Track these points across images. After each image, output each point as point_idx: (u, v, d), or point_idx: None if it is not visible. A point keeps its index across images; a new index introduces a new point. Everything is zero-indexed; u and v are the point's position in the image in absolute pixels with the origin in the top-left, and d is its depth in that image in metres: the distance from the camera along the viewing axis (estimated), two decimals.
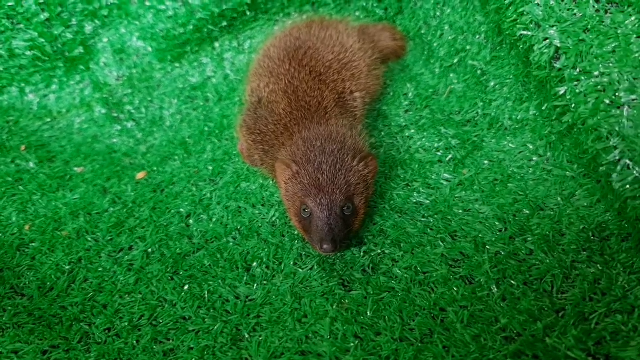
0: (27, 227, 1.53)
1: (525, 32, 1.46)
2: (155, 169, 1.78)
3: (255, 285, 1.37)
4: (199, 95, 2.03)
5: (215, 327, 1.27)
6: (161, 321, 1.31)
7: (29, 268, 1.42)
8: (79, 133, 1.95)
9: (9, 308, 1.33)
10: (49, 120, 1.99)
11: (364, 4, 2.10)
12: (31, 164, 1.77)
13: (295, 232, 1.48)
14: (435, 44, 1.96)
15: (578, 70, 1.35)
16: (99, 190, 1.69)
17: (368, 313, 1.26)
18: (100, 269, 1.43)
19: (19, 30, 1.91)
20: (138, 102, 2.01)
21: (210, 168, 1.74)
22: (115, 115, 1.98)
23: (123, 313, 1.33)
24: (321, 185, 1.38)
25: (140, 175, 1.75)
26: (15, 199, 1.63)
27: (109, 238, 1.52)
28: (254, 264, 1.42)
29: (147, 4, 1.96)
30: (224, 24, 2.01)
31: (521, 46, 1.50)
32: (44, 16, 1.90)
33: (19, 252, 1.47)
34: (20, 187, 1.68)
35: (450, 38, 1.91)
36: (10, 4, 1.84)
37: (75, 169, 1.78)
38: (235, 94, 2.01)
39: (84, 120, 1.99)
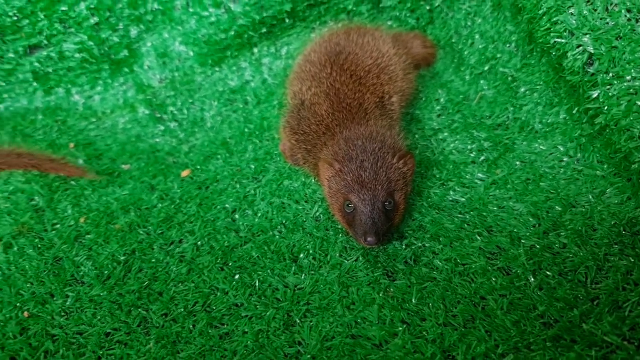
0: (82, 220, 1.62)
1: (559, 40, 1.55)
2: (198, 167, 1.86)
3: (303, 275, 1.44)
4: (238, 98, 2.12)
5: (267, 313, 1.35)
6: (214, 307, 1.38)
7: (87, 258, 1.50)
8: (123, 132, 2.04)
9: (71, 294, 1.40)
10: (94, 119, 2.08)
11: (397, 14, 2.19)
12: (80, 161, 1.86)
13: (339, 226, 1.56)
14: (465, 52, 2.05)
15: (611, 74, 1.44)
16: (146, 186, 1.77)
17: (413, 300, 1.34)
18: (153, 260, 1.51)
19: (70, 33, 2.01)
20: (180, 104, 2.10)
21: (253, 166, 1.82)
22: (158, 115, 2.07)
23: (178, 300, 1.40)
24: (364, 181, 1.46)
25: (184, 173, 1.83)
26: (69, 192, 1.72)
27: (160, 231, 1.61)
28: (301, 255, 1.50)
29: (191, 10, 2.06)
30: (264, 30, 2.11)
31: (554, 53, 1.58)
32: (93, 20, 2.01)
33: (76, 243, 1.55)
34: (72, 182, 1.76)
35: (480, 46, 2.00)
36: (63, 8, 1.94)
37: (122, 166, 1.86)
38: (273, 97, 2.10)
39: (128, 120, 2.08)
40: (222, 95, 2.13)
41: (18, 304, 1.36)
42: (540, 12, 1.61)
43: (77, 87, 2.12)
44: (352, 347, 1.25)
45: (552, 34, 1.55)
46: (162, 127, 2.05)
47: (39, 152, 1.80)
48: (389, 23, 2.21)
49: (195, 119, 2.08)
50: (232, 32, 2.08)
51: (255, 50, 2.17)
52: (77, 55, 2.04)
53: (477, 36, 2.02)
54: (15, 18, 1.93)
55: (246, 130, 2.00)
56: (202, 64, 2.14)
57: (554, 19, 1.54)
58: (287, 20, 2.11)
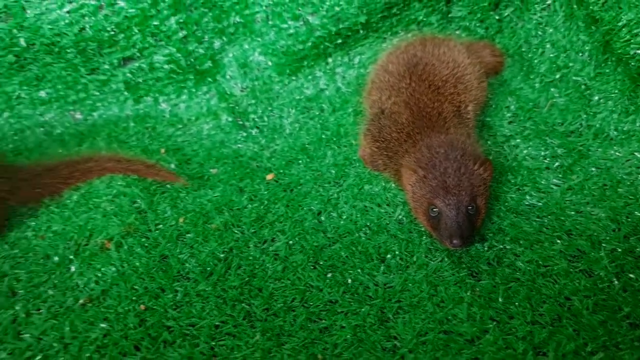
0: (181, 220, 1.74)
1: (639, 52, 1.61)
2: (281, 171, 1.97)
3: (392, 274, 1.53)
4: (314, 106, 2.23)
5: (362, 310, 1.44)
6: (312, 304, 1.49)
7: (190, 255, 1.62)
8: (207, 138, 2.17)
9: (180, 289, 1.53)
10: (180, 126, 2.21)
11: (467, 24, 2.27)
12: (172, 166, 1.99)
13: (422, 229, 1.65)
14: (535, 61, 2.12)
15: None
16: (235, 189, 1.88)
17: (499, 299, 1.42)
18: (250, 258, 1.62)
19: (160, 46, 2.15)
20: (261, 112, 2.22)
21: (333, 171, 1.92)
22: (241, 122, 2.19)
23: (277, 296, 1.51)
24: (448, 187, 1.55)
25: (269, 176, 1.94)
26: (166, 195, 1.85)
27: (253, 231, 1.72)
28: (388, 255, 1.59)
29: (270, 22, 2.18)
30: (339, 41, 2.21)
31: (633, 63, 1.64)
32: (181, 34, 2.14)
33: (179, 242, 1.67)
34: (168, 185, 1.89)
35: (551, 55, 2.06)
36: (155, 23, 2.07)
37: (211, 170, 1.99)
38: (348, 105, 2.20)
39: (212, 127, 2.21)
40: (299, 103, 2.24)
41: (134, 298, 1.49)
42: (620, 24, 1.67)
43: (164, 96, 2.27)
44: (445, 342, 1.34)
45: (632, 46, 1.61)
46: (244, 134, 2.17)
47: (135, 158, 1.94)
48: (457, 32, 2.29)
49: (274, 126, 2.20)
50: (310, 43, 2.19)
51: (330, 60, 2.27)
52: (165, 66, 2.18)
53: (548, 45, 2.09)
54: (112, 33, 2.07)
55: (323, 136, 2.11)
56: (280, 74, 2.26)
57: (635, 31, 1.60)
58: (361, 32, 2.21)
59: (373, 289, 1.51)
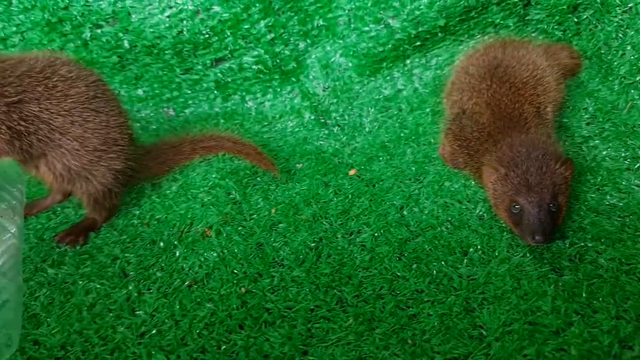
0: (273, 211, 1.87)
1: None
2: (362, 167, 2.07)
3: (475, 267, 1.61)
4: (392, 106, 2.33)
5: (448, 299, 1.53)
6: (399, 292, 1.58)
7: (284, 244, 1.74)
8: (291, 135, 2.29)
9: (276, 275, 1.65)
10: (265, 123, 2.35)
11: (545, 27, 2.32)
12: None
13: (503, 225, 1.72)
14: (615, 63, 2.15)
15: None
16: (320, 183, 2.00)
17: (583, 294, 1.47)
18: (339, 248, 1.73)
19: (250, 48, 2.29)
20: (342, 110, 2.33)
21: (413, 168, 2.01)
22: (323, 120, 2.31)
23: (366, 284, 1.61)
24: (530, 185, 1.61)
25: (351, 172, 2.05)
26: (257, 188, 1.98)
27: (340, 223, 1.82)
28: (470, 249, 1.67)
29: (352, 25, 2.29)
30: (417, 43, 2.30)
31: None
32: (270, 36, 2.28)
33: (273, 231, 1.80)
34: (258, 179, 2.03)
35: (632, 57, 2.09)
36: (246, 26, 2.22)
37: (297, 165, 2.11)
38: (425, 105, 2.28)
39: (295, 124, 2.34)
40: (377, 103, 2.34)
41: (235, 281, 1.61)
42: None
43: (250, 95, 2.41)
44: (531, 333, 1.41)
45: None
46: (326, 131, 2.29)
47: (248, 142, 2.11)
48: (534, 35, 2.34)
49: (355, 124, 2.30)
50: (389, 46, 2.28)
51: (408, 61, 2.37)
52: (254, 67, 2.32)
53: (629, 47, 2.11)
54: (207, 36, 2.23)
55: (402, 135, 2.20)
56: (359, 74, 2.37)
57: None
58: (439, 34, 2.29)
59: (457, 281, 1.59)
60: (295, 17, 2.30)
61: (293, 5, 2.27)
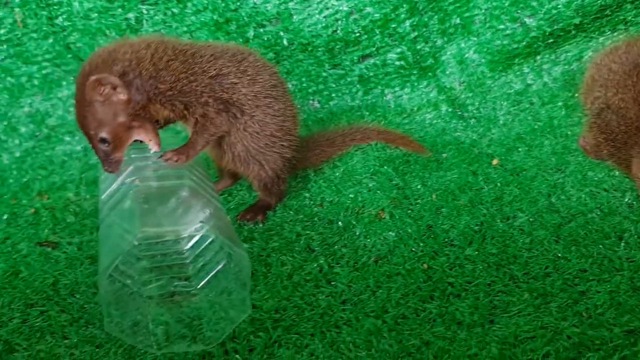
0: (433, 197, 2.06)
1: None
2: (503, 157, 2.25)
3: (633, 250, 1.78)
4: (523, 100, 2.51)
5: (613, 279, 1.69)
6: (564, 271, 1.75)
7: (451, 226, 1.93)
8: (430, 126, 2.49)
9: (450, 253, 1.83)
10: (405, 115, 2.56)
11: None
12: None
13: None
14: None
15: None
16: (468, 172, 2.18)
17: None
18: (500, 231, 1.91)
19: (394, 45, 2.49)
20: (477, 104, 2.52)
21: (553, 159, 2.19)
22: (459, 113, 2.50)
23: (531, 264, 1.78)
24: None
25: (494, 162, 2.23)
26: (414, 175, 2.17)
27: (495, 208, 2.01)
28: (625, 234, 1.83)
29: (487, 24, 2.46)
30: (550, 40, 2.46)
31: None
32: (413, 34, 2.47)
33: (438, 214, 1.99)
34: (411, 167, 2.23)
35: None
36: (393, 25, 2.42)
37: (443, 155, 2.30)
38: (557, 99, 2.45)
39: (433, 116, 2.54)
40: (509, 97, 2.52)
41: (415, 258, 1.81)
42: None
43: (389, 89, 2.61)
44: None
45: None
46: (463, 123, 2.48)
47: (390, 129, 2.37)
48: None
49: (489, 117, 2.49)
50: (524, 43, 2.46)
51: (538, 57, 2.54)
52: (396, 63, 2.52)
53: None
54: (358, 34, 2.43)
55: (536, 127, 2.37)
56: (492, 70, 2.55)
57: None
58: (572, 32, 2.45)
59: (618, 262, 1.75)
60: (436, 17, 2.48)
61: (435, 6, 2.45)
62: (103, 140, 1.75)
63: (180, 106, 1.82)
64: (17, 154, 2.47)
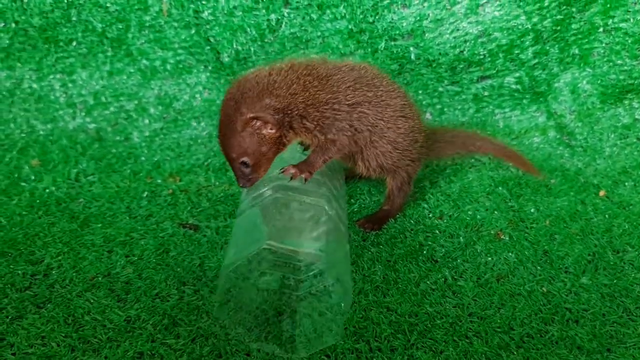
0: (547, 222, 2.19)
1: None
2: (609, 189, 2.37)
3: None
4: (630, 133, 2.61)
5: None
6: None
7: (566, 254, 2.05)
8: (537, 150, 2.62)
9: (566, 280, 1.96)
10: (513, 137, 2.68)
11: None
12: (520, 172, 2.47)
13: None
14: None
15: None
16: (577, 200, 2.31)
17: None
18: (611, 263, 2.02)
19: (514, 70, 2.62)
20: (585, 133, 2.63)
21: None
22: (567, 140, 2.62)
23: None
24: None
25: (601, 193, 2.35)
26: (527, 198, 2.31)
27: (606, 240, 2.11)
28: None
29: (606, 58, 2.57)
30: None
31: None
32: (534, 61, 2.60)
33: (553, 241, 2.12)
34: (523, 190, 2.36)
35: None
36: (517, 51, 2.54)
37: (551, 180, 2.42)
38: None
39: (540, 141, 2.66)
40: (616, 129, 2.62)
41: (534, 281, 1.93)
42: None
43: (500, 109, 2.73)
44: None
45: None
46: (570, 151, 2.60)
47: (509, 147, 2.50)
48: None
49: (595, 147, 2.60)
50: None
51: None
52: (512, 86, 2.64)
53: None
54: (482, 57, 2.55)
55: None
56: (602, 102, 2.66)
57: None
58: None
59: None
60: (557, 45, 2.58)
61: (558, 35, 2.55)
62: (244, 164, 1.84)
63: (322, 137, 1.91)
64: (147, 134, 2.65)
